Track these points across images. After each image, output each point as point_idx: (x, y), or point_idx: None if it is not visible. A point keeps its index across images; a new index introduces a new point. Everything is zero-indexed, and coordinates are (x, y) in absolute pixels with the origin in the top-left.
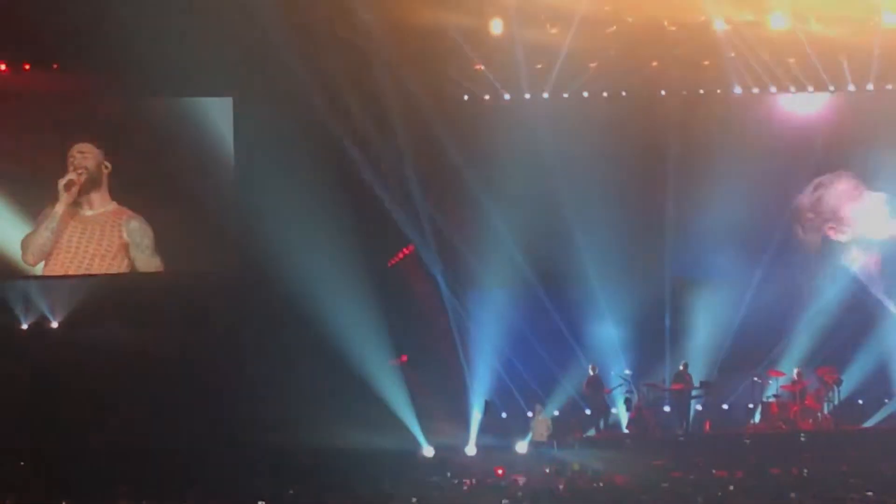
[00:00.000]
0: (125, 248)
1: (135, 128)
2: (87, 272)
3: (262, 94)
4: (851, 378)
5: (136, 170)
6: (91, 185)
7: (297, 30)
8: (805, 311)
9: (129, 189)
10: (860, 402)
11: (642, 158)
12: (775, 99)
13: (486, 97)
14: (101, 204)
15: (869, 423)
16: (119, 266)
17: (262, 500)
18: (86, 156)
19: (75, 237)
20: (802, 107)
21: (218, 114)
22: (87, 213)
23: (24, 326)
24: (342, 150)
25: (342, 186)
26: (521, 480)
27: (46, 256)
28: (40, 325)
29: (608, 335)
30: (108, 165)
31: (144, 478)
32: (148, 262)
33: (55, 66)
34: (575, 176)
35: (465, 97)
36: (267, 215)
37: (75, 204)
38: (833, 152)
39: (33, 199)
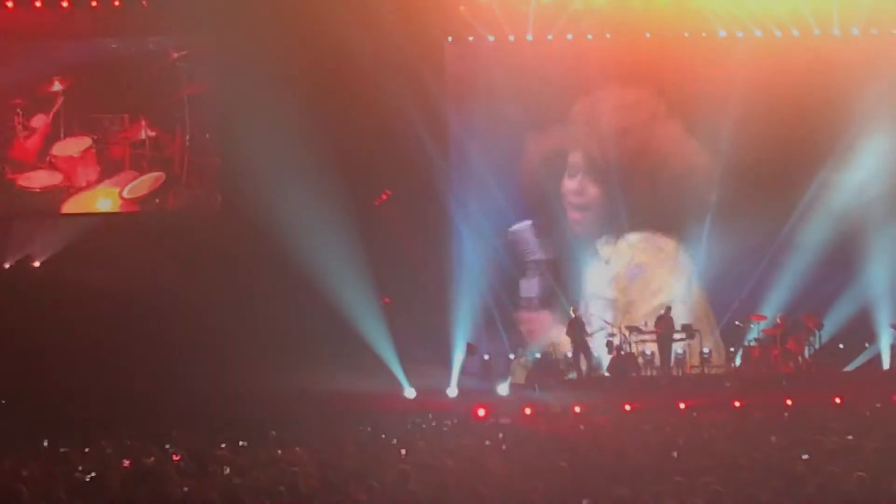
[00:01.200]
0: None
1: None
2: None
3: (245, 34)
4: (832, 322)
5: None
6: None
7: None
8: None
9: None
10: (841, 346)
11: (627, 99)
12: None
13: (470, 39)
14: None
15: (850, 367)
16: None
17: (244, 441)
18: None
19: None
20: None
21: (202, 51)
22: None
23: (7, 266)
24: (327, 90)
25: (326, 126)
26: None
27: None
28: (23, 263)
29: (592, 275)
30: None
31: (125, 418)
32: None
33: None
34: (559, 115)
35: (449, 38)
36: (250, 154)
37: None
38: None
39: None
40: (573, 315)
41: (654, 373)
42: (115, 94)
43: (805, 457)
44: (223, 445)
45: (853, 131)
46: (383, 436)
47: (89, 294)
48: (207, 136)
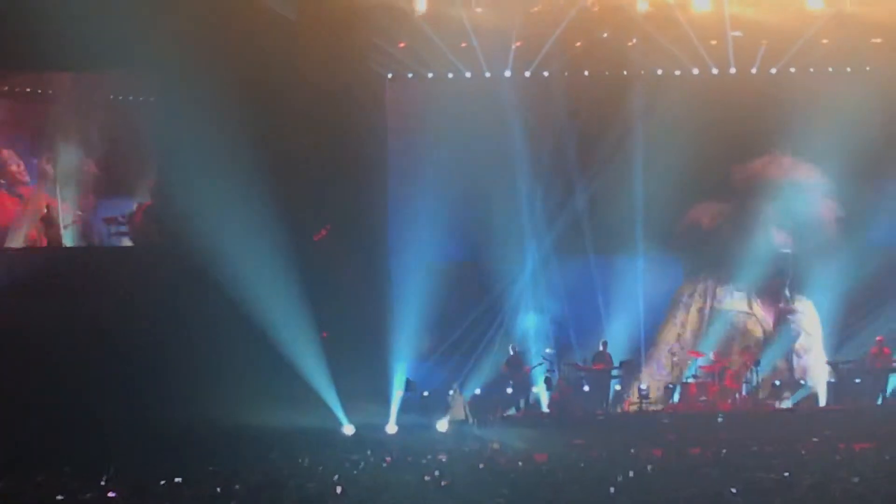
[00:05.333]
0: None
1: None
2: None
3: (183, 70)
4: (769, 359)
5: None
6: None
7: (221, 6)
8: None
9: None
10: (777, 382)
11: (565, 139)
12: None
13: (410, 75)
14: None
15: (787, 404)
16: None
17: (181, 477)
18: None
19: None
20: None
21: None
22: None
23: None
24: (264, 125)
25: (265, 161)
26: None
27: None
28: None
29: (533, 313)
30: None
31: (62, 453)
32: None
33: None
34: (499, 155)
35: (389, 75)
36: (188, 190)
37: None
38: (761, 132)
39: None
40: (512, 352)
41: (593, 409)
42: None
43: (733, 490)
44: (161, 483)
45: (786, 167)
46: (321, 468)
47: (26, 328)
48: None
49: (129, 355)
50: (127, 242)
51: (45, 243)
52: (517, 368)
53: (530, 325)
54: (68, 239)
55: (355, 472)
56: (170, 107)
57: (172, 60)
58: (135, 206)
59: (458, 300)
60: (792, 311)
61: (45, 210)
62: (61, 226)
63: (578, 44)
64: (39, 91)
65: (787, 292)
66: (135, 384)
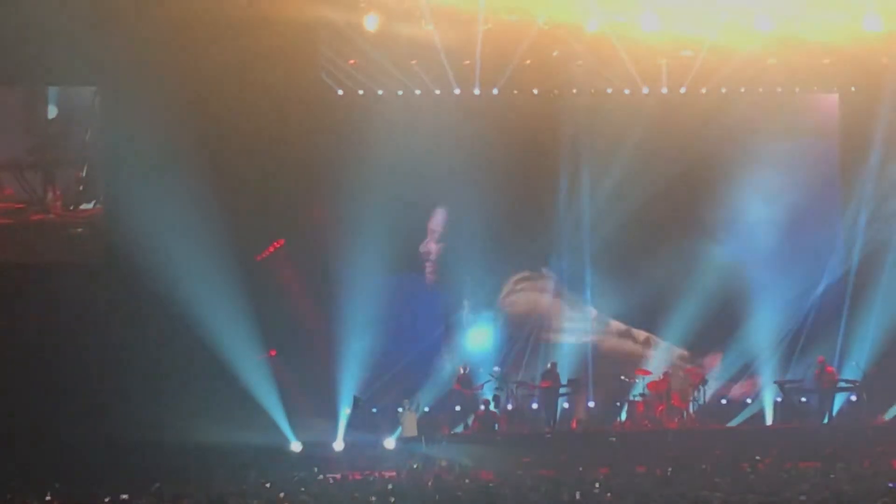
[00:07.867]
0: None
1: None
2: None
3: (129, 85)
4: (717, 378)
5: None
6: None
7: (169, 21)
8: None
9: None
10: (724, 401)
11: (515, 156)
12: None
13: (361, 92)
14: None
15: (733, 423)
16: None
17: (126, 494)
18: None
19: None
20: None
21: (84, 103)
22: None
23: None
24: (212, 142)
25: (212, 180)
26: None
27: None
28: None
29: (481, 332)
30: None
31: (7, 468)
32: None
33: None
34: (446, 171)
35: (340, 92)
36: (135, 207)
37: None
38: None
39: None
40: (462, 371)
41: (541, 427)
42: None
43: None
44: (107, 500)
45: (737, 186)
46: (267, 485)
47: None
48: (81, 188)
49: (73, 373)
50: None
51: None
52: (467, 387)
53: (479, 343)
54: None
55: (302, 489)
56: (113, 117)
57: (117, 76)
58: None
59: (408, 318)
60: None
61: None
62: None
63: (528, 62)
64: None
65: None
66: (80, 401)
